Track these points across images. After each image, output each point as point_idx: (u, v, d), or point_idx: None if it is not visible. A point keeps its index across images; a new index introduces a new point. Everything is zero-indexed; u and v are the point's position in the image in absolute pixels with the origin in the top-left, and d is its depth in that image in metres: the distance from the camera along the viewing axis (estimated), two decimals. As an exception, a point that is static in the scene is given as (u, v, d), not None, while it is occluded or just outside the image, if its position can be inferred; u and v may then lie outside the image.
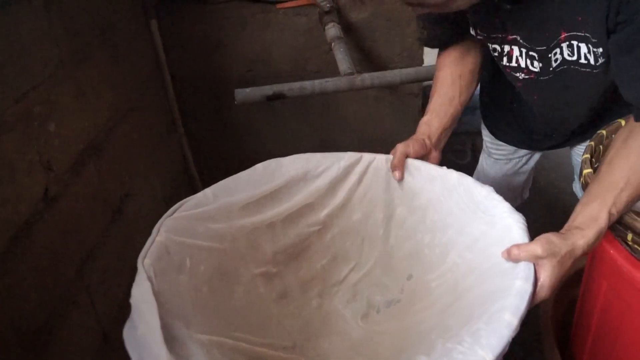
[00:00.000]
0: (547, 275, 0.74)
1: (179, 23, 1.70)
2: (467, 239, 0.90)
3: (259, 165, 0.93)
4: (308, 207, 0.99)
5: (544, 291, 0.74)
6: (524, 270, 0.72)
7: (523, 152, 1.36)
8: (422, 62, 1.79)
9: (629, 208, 0.82)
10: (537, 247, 0.74)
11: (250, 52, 1.74)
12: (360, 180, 0.99)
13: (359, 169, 0.99)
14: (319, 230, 1.01)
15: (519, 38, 0.96)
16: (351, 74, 1.21)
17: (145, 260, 0.76)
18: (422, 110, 1.91)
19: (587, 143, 1.07)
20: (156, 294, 0.71)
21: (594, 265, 1.07)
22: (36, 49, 1.02)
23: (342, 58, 1.26)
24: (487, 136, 1.43)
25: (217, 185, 0.91)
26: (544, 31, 0.91)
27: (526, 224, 0.81)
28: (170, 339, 0.68)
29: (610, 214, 0.79)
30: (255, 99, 1.19)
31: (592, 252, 1.07)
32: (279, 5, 1.61)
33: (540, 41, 0.93)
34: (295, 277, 1.01)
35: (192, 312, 0.80)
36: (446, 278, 0.92)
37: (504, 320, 0.65)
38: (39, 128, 1.01)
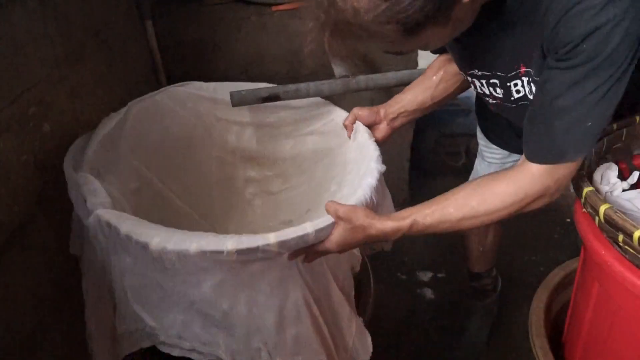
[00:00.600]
0: (336, 233, 0.89)
1: (175, 24, 1.70)
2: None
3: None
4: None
5: (329, 244, 0.89)
6: (320, 221, 0.87)
7: (516, 156, 1.37)
8: (416, 64, 1.80)
9: (429, 230, 0.94)
10: (341, 209, 0.88)
11: (246, 53, 1.75)
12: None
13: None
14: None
15: (476, 71, 0.99)
16: (346, 76, 1.22)
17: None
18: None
19: None
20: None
21: (587, 267, 1.08)
22: (31, 50, 1.02)
23: (337, 61, 1.27)
24: (481, 139, 1.44)
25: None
26: (503, 59, 0.93)
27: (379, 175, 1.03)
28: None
29: (412, 224, 0.92)
30: (251, 101, 1.19)
31: (584, 254, 1.09)
32: (274, 8, 1.62)
33: (499, 68, 0.95)
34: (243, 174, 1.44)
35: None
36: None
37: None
38: (34, 129, 1.01)
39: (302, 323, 0.92)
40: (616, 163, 1.15)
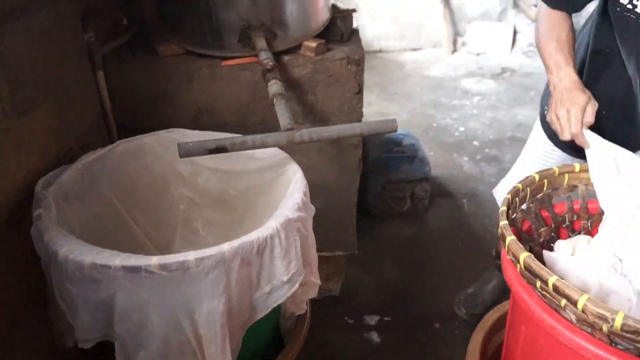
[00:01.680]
0: None
1: (127, 75, 1.74)
2: None
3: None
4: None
5: None
6: (203, 250, 0.99)
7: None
8: (361, 115, 1.89)
9: None
10: None
11: (197, 103, 1.79)
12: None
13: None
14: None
15: None
16: (291, 129, 1.28)
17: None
18: (362, 160, 2.00)
19: None
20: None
21: (515, 310, 1.15)
22: (-22, 103, 1.03)
23: (282, 114, 1.33)
24: (543, 143, 1.49)
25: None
26: None
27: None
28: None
29: None
30: (198, 153, 1.23)
31: (513, 298, 1.16)
32: (223, 63, 1.68)
33: None
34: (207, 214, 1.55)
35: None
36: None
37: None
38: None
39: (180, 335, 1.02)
40: (538, 211, 1.25)
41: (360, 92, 1.83)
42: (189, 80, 1.75)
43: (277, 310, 1.32)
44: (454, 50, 4.67)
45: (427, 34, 4.71)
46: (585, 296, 0.84)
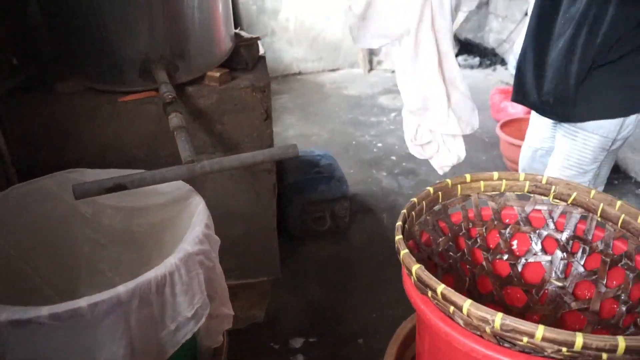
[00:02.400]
0: None
1: (23, 114, 1.67)
2: None
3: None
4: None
5: None
6: (96, 296, 0.95)
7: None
8: (271, 140, 1.91)
9: None
10: None
11: (102, 140, 1.75)
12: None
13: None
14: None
15: None
16: (191, 161, 1.28)
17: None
18: (279, 184, 2.03)
19: None
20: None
21: (418, 320, 1.19)
22: None
23: (183, 146, 1.33)
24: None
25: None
26: None
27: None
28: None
29: None
30: (95, 193, 1.20)
31: (414, 308, 1.21)
32: (121, 99, 1.66)
33: None
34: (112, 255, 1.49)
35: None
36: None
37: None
38: None
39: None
40: (436, 222, 1.31)
41: (268, 118, 1.86)
42: (91, 117, 1.71)
43: (193, 345, 1.30)
44: (371, 69, 4.83)
45: (344, 54, 4.86)
46: (468, 301, 0.89)
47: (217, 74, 1.77)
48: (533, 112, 1.90)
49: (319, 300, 2.07)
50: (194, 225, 1.18)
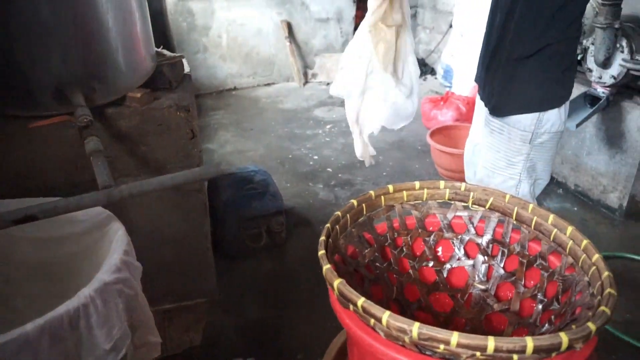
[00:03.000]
0: None
1: None
2: None
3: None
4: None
5: None
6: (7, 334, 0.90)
7: None
8: (200, 159, 1.88)
9: None
10: None
11: (15, 168, 1.66)
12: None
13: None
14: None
15: None
16: (109, 187, 1.24)
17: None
18: (208, 204, 1.99)
19: None
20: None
21: (347, 333, 1.20)
22: None
23: (99, 172, 1.28)
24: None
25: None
26: None
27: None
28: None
29: None
30: (2, 226, 1.14)
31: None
32: (30, 125, 1.58)
33: None
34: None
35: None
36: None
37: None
38: None
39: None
40: (361, 234, 1.32)
41: (194, 137, 1.82)
42: (2, 144, 1.62)
43: (120, 378, 1.25)
44: (306, 82, 4.87)
45: (279, 69, 4.87)
46: (387, 313, 0.91)
47: (139, 95, 1.72)
48: (476, 105, 2.00)
49: (258, 319, 2.04)
50: (112, 253, 1.14)
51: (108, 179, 1.27)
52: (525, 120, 1.68)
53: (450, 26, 4.38)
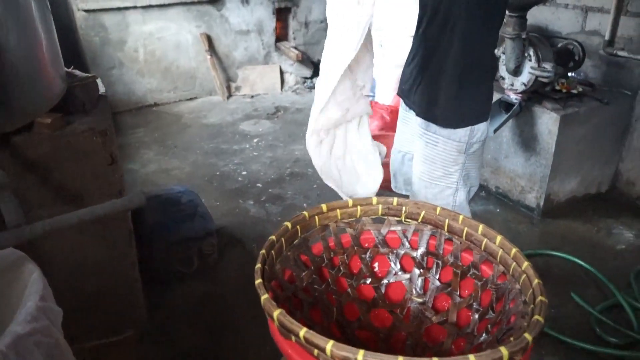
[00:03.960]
0: None
1: None
2: None
3: None
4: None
5: None
6: None
7: None
8: (121, 186, 1.77)
9: None
10: None
11: None
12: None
13: None
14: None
15: None
16: (18, 225, 1.13)
17: None
18: (133, 232, 1.88)
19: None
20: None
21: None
22: None
23: (7, 209, 1.17)
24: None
25: None
26: None
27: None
28: None
29: None
30: None
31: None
32: None
33: None
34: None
35: None
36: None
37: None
38: None
39: None
40: (298, 257, 1.29)
41: (114, 162, 1.72)
42: None
43: None
44: (229, 95, 4.79)
45: (200, 82, 4.75)
46: (330, 342, 0.88)
47: (49, 120, 1.60)
48: (399, 118, 2.03)
49: (192, 347, 1.95)
50: (26, 300, 1.03)
51: (18, 217, 1.16)
52: (459, 132, 1.73)
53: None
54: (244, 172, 3.32)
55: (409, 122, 1.95)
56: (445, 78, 1.72)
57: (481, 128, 1.77)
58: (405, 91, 1.94)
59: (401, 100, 2.00)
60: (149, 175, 3.29)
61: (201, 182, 3.18)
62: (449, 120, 1.75)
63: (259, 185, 3.15)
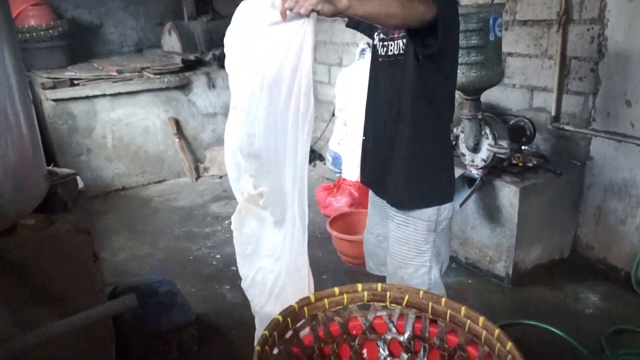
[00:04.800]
0: None
1: None
2: None
3: None
4: None
5: None
6: None
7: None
8: (103, 284, 1.77)
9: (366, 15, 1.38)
10: None
11: None
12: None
13: None
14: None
15: None
16: (10, 338, 1.12)
17: None
18: (112, 330, 1.85)
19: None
20: None
21: None
22: None
23: (-2, 321, 1.16)
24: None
25: None
26: None
27: None
28: None
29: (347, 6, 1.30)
30: None
31: None
32: None
33: None
34: None
35: None
36: None
37: None
38: None
39: None
40: (290, 350, 1.32)
41: (97, 260, 1.73)
42: None
43: None
44: (198, 177, 4.84)
45: (169, 165, 4.80)
46: None
47: (32, 221, 1.62)
48: (369, 200, 2.10)
49: None
50: None
51: (8, 328, 1.15)
52: (428, 211, 1.82)
53: (333, 115, 4.67)
54: (218, 256, 3.32)
55: (378, 205, 2.03)
56: (404, 165, 1.81)
57: (447, 206, 1.87)
58: (368, 180, 2.03)
59: None
60: (120, 264, 3.24)
61: (174, 268, 3.15)
62: (416, 203, 1.83)
63: (234, 268, 3.13)
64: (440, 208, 1.84)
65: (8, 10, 1.60)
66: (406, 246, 1.87)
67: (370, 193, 2.10)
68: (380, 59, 1.82)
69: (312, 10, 1.26)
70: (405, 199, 1.84)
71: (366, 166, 2.02)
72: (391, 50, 1.75)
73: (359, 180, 2.13)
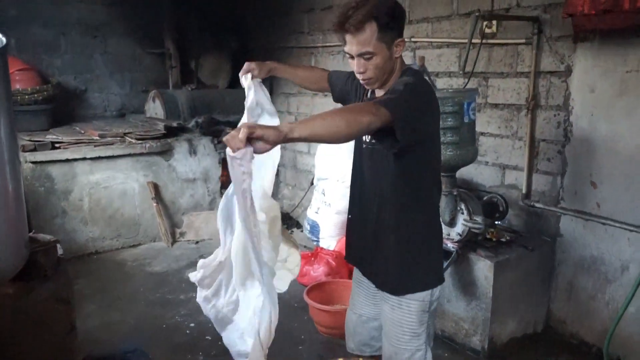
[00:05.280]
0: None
1: None
2: None
3: None
4: None
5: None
6: None
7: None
8: (78, 354, 1.73)
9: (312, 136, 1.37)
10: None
11: None
12: None
13: None
14: None
15: None
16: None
17: None
18: None
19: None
20: None
21: None
22: None
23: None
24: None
25: None
26: None
27: None
28: None
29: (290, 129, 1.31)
30: None
31: None
32: None
33: None
34: None
35: None
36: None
37: None
38: None
39: None
40: None
41: (73, 330, 1.70)
42: None
43: None
44: (174, 242, 4.80)
45: (145, 229, 4.76)
46: None
47: (10, 291, 1.60)
48: (353, 279, 2.09)
49: None
50: None
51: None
52: (421, 294, 1.82)
53: (312, 183, 4.76)
54: (192, 324, 3.25)
55: (364, 285, 2.01)
56: (393, 252, 1.82)
57: (439, 287, 1.88)
58: (354, 259, 2.03)
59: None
60: (90, 332, 3.13)
61: (147, 336, 3.07)
62: (407, 289, 1.83)
63: (208, 337, 3.08)
64: (433, 290, 1.85)
65: (8, 82, 1.66)
66: (401, 329, 1.85)
67: (356, 271, 2.06)
68: (363, 145, 1.86)
69: (248, 143, 1.24)
70: (398, 286, 1.83)
71: (352, 244, 2.02)
72: (373, 139, 1.77)
73: (344, 257, 2.11)
